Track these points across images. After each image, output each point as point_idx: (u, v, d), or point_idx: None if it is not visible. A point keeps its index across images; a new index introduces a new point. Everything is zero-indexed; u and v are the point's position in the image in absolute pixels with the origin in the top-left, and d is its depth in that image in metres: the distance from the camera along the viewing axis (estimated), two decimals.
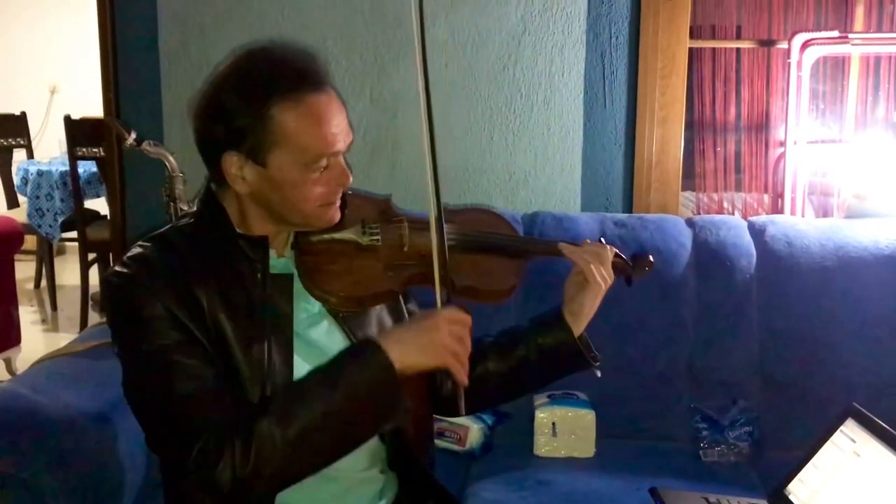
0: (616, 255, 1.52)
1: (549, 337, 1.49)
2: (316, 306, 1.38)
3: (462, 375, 1.28)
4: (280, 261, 1.37)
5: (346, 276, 1.35)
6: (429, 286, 1.32)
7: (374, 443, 1.39)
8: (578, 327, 1.49)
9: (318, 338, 1.36)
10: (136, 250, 1.30)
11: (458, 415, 1.34)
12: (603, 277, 1.45)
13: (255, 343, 1.28)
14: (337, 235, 1.38)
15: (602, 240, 1.54)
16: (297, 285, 1.35)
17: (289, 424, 1.19)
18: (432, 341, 1.25)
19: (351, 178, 1.32)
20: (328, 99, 1.28)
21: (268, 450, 1.18)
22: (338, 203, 1.34)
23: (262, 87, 1.25)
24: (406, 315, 1.51)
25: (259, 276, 1.31)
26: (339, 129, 1.28)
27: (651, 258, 1.57)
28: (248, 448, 1.17)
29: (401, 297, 1.51)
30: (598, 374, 1.52)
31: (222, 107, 1.27)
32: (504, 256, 1.49)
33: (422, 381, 1.46)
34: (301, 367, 1.31)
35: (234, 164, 1.27)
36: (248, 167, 1.27)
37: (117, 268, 1.28)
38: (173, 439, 1.23)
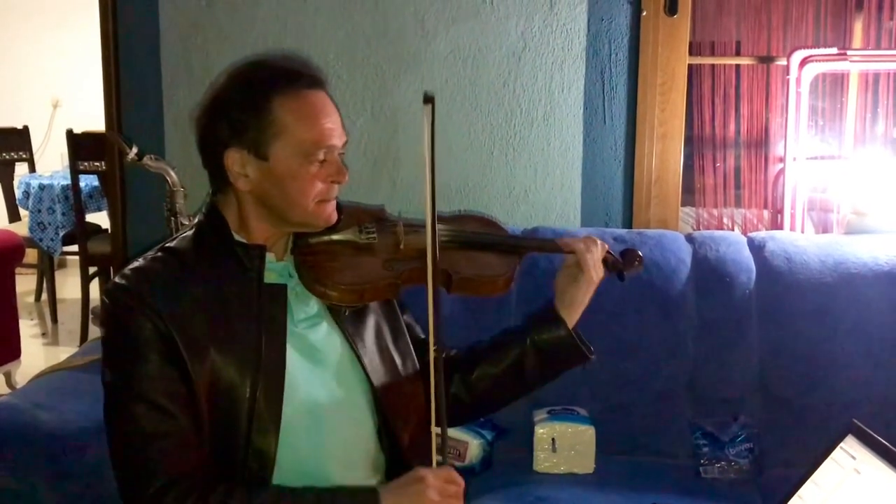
0: (607, 252, 1.57)
1: (544, 332, 1.52)
2: (314, 308, 1.40)
3: None
4: (279, 264, 1.40)
5: (346, 271, 1.39)
6: (426, 284, 1.33)
7: (372, 452, 1.41)
8: (571, 320, 1.52)
9: (316, 340, 1.39)
10: (138, 262, 1.33)
11: None
12: (597, 269, 1.50)
13: (247, 350, 1.30)
14: (335, 236, 1.42)
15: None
16: (297, 288, 1.38)
17: None
18: None
19: (347, 177, 1.36)
20: (324, 97, 1.36)
21: None
22: (334, 202, 1.38)
23: (263, 84, 1.32)
24: (403, 327, 1.53)
25: (254, 285, 1.34)
26: (334, 124, 1.35)
27: (640, 253, 1.60)
28: None
29: (397, 307, 1.53)
30: (590, 357, 1.56)
31: (225, 104, 1.33)
32: (498, 252, 1.54)
33: (420, 392, 1.47)
34: (297, 368, 1.33)
35: (236, 162, 1.32)
36: (251, 164, 1.32)
37: (117, 279, 1.31)
38: (128, 474, 1.26)
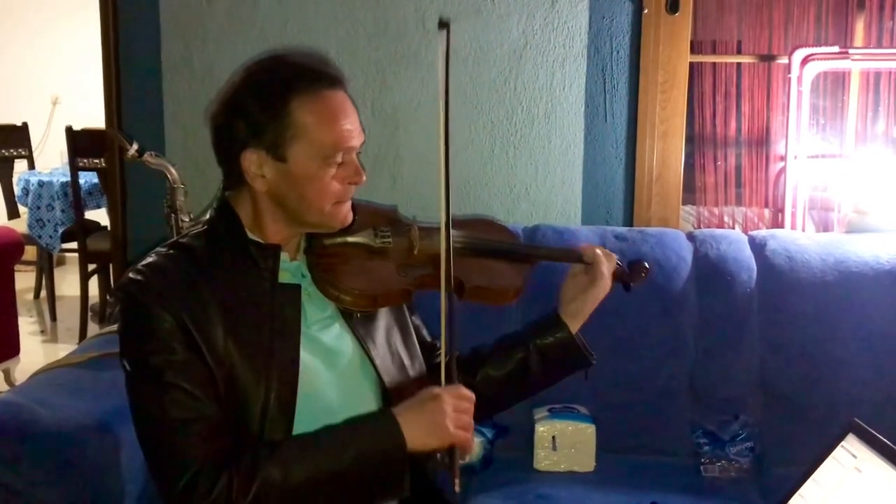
0: (616, 263, 1.58)
1: (548, 337, 1.53)
2: (327, 310, 1.40)
3: (469, 447, 1.31)
4: (292, 264, 1.39)
5: (360, 276, 1.39)
6: (439, 289, 1.34)
7: None
8: (575, 327, 1.54)
9: (328, 341, 1.38)
10: (151, 258, 1.32)
11: (452, 487, 1.32)
12: (607, 281, 1.52)
13: (261, 349, 1.29)
14: (350, 239, 1.42)
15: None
16: (309, 289, 1.38)
17: (293, 474, 1.23)
18: (439, 424, 1.27)
19: (365, 177, 1.35)
20: (343, 97, 1.34)
21: (267, 494, 1.21)
22: (350, 203, 1.37)
23: (282, 84, 1.30)
24: (411, 329, 1.53)
25: (268, 284, 1.33)
26: (353, 125, 1.33)
27: (647, 264, 1.62)
28: (247, 487, 1.20)
29: (406, 311, 1.52)
30: (593, 362, 1.57)
31: (243, 104, 1.31)
32: (510, 261, 1.54)
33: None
34: (310, 369, 1.33)
35: (253, 163, 1.31)
36: (268, 164, 1.30)
37: (131, 275, 1.29)
38: (162, 464, 1.25)
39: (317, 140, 1.29)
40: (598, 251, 1.53)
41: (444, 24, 1.27)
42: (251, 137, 1.30)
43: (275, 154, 1.29)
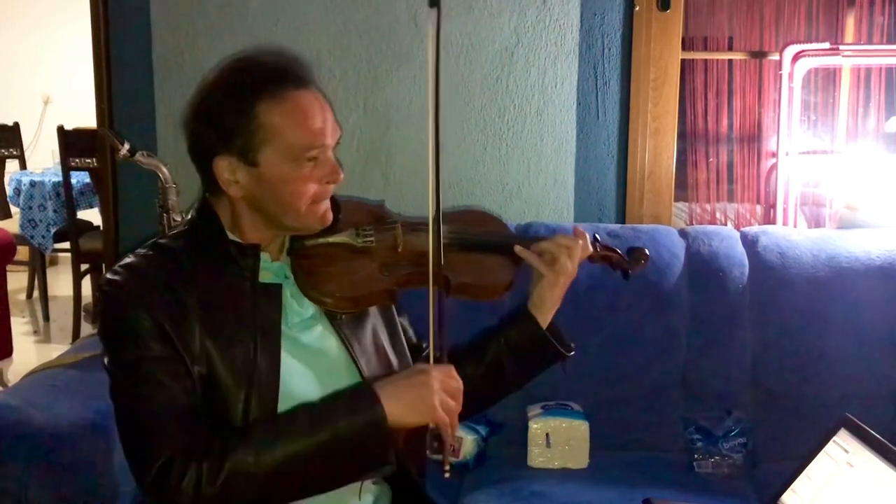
0: (611, 250, 1.54)
1: (517, 331, 1.49)
2: (309, 310, 1.39)
3: (452, 432, 1.28)
4: (275, 264, 1.38)
5: (342, 277, 1.37)
6: (425, 287, 1.31)
7: None
8: (544, 318, 1.49)
9: (310, 342, 1.37)
10: (129, 259, 1.32)
11: (442, 473, 1.32)
12: (561, 269, 1.45)
13: (241, 350, 1.28)
14: (331, 239, 1.40)
15: (597, 235, 1.56)
16: (291, 290, 1.37)
17: (267, 454, 1.21)
18: (425, 400, 1.25)
19: (342, 176, 1.33)
20: (310, 95, 1.31)
21: (237, 479, 1.19)
22: (328, 202, 1.35)
23: (247, 88, 1.28)
24: (399, 329, 1.52)
25: (248, 284, 1.32)
26: (323, 123, 1.30)
27: (646, 251, 1.56)
28: (217, 471, 1.19)
29: (394, 310, 1.52)
30: (568, 355, 1.51)
31: (210, 110, 1.30)
32: (499, 254, 1.50)
33: None
34: (292, 371, 1.32)
35: (226, 169, 1.30)
36: (241, 170, 1.29)
37: (108, 276, 1.30)
38: (136, 452, 1.25)
39: (286, 142, 1.27)
40: (538, 249, 1.46)
41: (434, 2, 1.21)
42: (221, 144, 1.28)
43: (246, 159, 1.28)
